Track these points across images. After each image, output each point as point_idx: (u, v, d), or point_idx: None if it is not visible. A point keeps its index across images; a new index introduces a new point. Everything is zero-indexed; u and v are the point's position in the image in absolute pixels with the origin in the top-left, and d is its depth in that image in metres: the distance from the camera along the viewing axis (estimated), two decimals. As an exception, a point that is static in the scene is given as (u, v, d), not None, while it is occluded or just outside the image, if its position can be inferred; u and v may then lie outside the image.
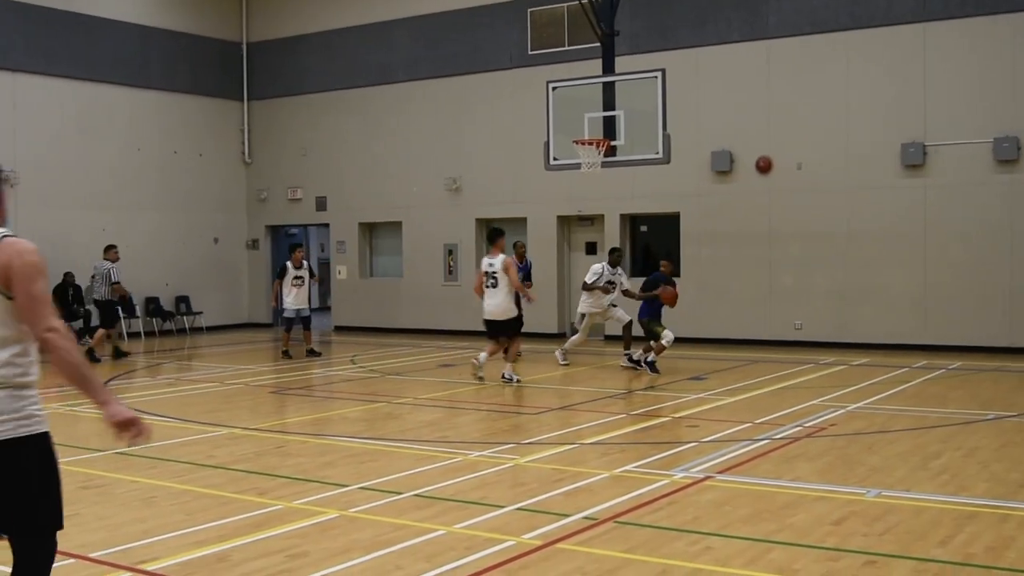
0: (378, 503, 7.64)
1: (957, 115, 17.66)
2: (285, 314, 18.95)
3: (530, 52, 21.92)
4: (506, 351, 14.72)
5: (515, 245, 17.45)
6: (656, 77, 15.66)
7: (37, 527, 4.07)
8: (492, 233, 14.99)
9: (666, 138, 15.54)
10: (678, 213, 20.23)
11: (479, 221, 22.56)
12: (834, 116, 18.68)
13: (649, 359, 15.26)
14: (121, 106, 23.33)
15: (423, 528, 6.88)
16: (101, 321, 19.02)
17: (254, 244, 26.39)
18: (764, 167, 19.28)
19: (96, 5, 23.01)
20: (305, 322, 18.81)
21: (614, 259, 16.43)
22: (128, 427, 4.03)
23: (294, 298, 18.47)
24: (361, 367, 17.21)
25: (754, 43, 19.48)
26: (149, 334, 23.50)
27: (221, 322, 24.96)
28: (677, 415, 11.72)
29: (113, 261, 18.77)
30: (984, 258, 17.40)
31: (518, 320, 15.00)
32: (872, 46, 18.41)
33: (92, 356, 17.94)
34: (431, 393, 13.85)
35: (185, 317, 24.51)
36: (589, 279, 16.14)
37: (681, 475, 8.41)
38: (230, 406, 13.15)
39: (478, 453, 9.51)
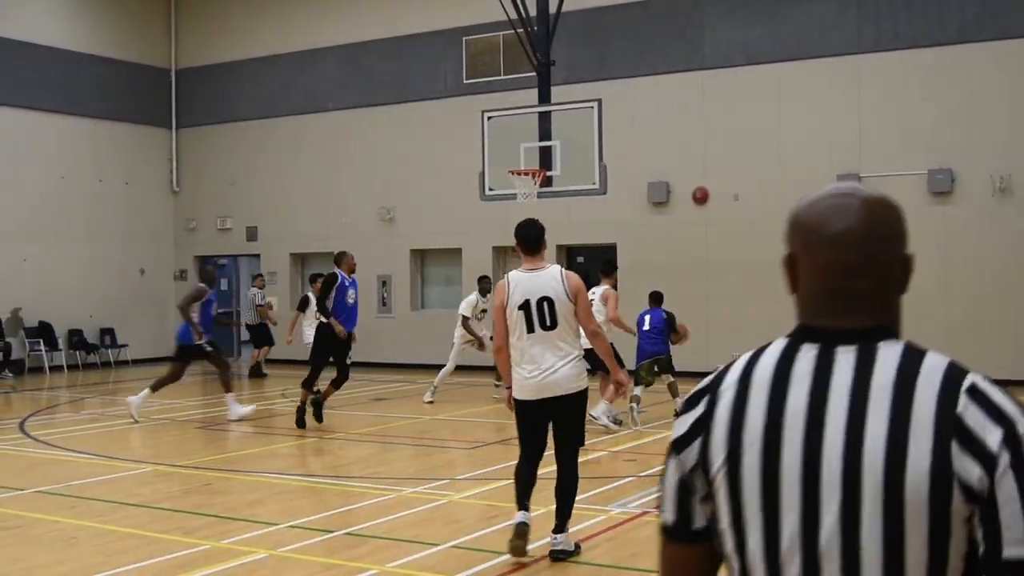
0: (308, 542, 7.39)
1: (891, 147, 17.86)
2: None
3: (465, 81, 21.83)
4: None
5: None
6: (592, 107, 15.60)
7: None
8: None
9: (602, 169, 15.47)
10: (615, 244, 20.20)
11: (413, 252, 22.36)
12: (770, 147, 18.79)
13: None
14: (45, 133, 22.78)
15: (355, 568, 6.65)
16: (256, 341, 20.88)
17: (182, 275, 25.89)
18: (701, 198, 19.34)
19: (22, 29, 22.50)
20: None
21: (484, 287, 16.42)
22: None
23: None
24: (292, 401, 16.83)
25: (690, 74, 19.58)
26: (72, 367, 22.85)
27: (147, 355, 24.35)
28: (614, 449, 11.58)
29: (260, 288, 20.69)
30: (920, 291, 17.40)
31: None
32: (807, 78, 18.59)
33: (259, 371, 20.43)
34: (363, 428, 13.57)
35: (110, 350, 23.90)
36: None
37: (618, 511, 8.26)
38: (155, 442, 12.77)
39: (411, 489, 9.28)
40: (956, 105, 17.46)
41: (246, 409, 14.51)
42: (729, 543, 1.69)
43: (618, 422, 12.92)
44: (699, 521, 1.75)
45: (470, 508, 8.57)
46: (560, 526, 6.77)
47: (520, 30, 16.92)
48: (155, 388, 14.24)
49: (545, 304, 6.74)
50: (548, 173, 15.80)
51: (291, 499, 9.00)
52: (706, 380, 1.80)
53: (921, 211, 17.46)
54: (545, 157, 15.92)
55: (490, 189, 16.38)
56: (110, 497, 9.11)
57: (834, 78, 18.37)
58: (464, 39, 21.82)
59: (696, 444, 1.73)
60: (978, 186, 17.34)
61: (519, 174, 15.76)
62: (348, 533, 7.63)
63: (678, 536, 1.78)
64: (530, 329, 6.72)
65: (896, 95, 17.88)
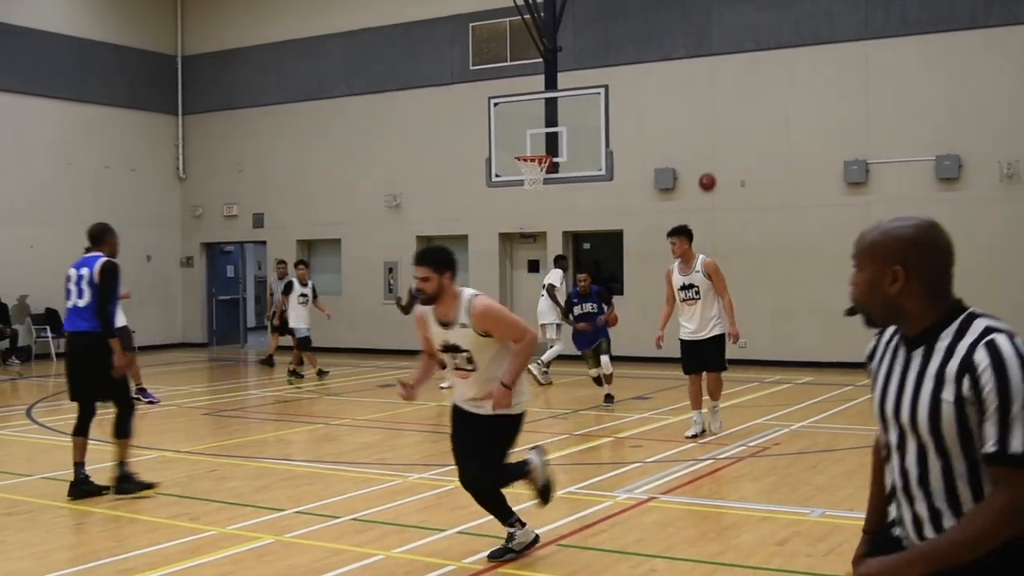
0: (315, 527, 7.40)
1: (899, 133, 17.80)
2: (299, 333, 17.66)
3: (471, 67, 21.79)
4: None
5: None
6: (599, 93, 15.57)
7: None
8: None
9: (609, 155, 15.44)
10: (621, 231, 20.17)
11: (419, 239, 22.37)
12: (777, 133, 18.74)
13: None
14: (52, 119, 22.80)
15: (361, 553, 6.66)
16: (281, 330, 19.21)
17: (188, 262, 25.92)
18: (707, 184, 19.29)
19: (29, 16, 22.50)
20: (303, 343, 17.74)
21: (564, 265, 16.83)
22: None
23: (306, 316, 17.76)
24: (298, 387, 16.88)
25: (698, 60, 19.52)
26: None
27: (154, 342, 24.40)
28: (621, 435, 11.58)
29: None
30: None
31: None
32: (815, 64, 18.52)
33: (271, 360, 19.72)
34: (370, 414, 13.59)
35: (118, 336, 23.87)
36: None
37: (624, 496, 8.26)
38: (162, 428, 12.79)
39: (418, 476, 9.29)
40: (964, 91, 17.38)
41: None
42: None
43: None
44: None
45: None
46: None
47: (527, 16, 16.87)
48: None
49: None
50: (554, 159, 15.78)
51: (298, 485, 9.00)
52: None
53: (928, 197, 17.42)
54: (551, 143, 15.89)
55: (496, 175, 16.36)
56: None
57: (842, 64, 18.30)
58: (471, 25, 21.77)
59: None
60: (985, 172, 17.28)
61: (526, 160, 15.73)
62: (355, 519, 7.64)
63: None
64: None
65: (904, 81, 17.81)
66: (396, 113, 22.73)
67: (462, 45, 21.95)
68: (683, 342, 11.03)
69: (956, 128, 17.33)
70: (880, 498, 2.99)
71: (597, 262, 20.53)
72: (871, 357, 2.89)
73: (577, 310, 14.00)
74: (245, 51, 24.88)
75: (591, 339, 13.96)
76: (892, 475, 2.77)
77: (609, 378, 13.80)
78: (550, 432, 11.70)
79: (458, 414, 6.56)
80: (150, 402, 14.62)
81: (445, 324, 6.28)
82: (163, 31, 25.52)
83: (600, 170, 15.60)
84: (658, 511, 7.79)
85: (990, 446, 2.49)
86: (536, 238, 21.32)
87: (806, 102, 18.57)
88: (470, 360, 6.27)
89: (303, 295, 17.67)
